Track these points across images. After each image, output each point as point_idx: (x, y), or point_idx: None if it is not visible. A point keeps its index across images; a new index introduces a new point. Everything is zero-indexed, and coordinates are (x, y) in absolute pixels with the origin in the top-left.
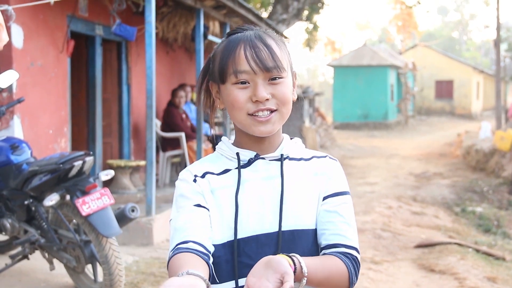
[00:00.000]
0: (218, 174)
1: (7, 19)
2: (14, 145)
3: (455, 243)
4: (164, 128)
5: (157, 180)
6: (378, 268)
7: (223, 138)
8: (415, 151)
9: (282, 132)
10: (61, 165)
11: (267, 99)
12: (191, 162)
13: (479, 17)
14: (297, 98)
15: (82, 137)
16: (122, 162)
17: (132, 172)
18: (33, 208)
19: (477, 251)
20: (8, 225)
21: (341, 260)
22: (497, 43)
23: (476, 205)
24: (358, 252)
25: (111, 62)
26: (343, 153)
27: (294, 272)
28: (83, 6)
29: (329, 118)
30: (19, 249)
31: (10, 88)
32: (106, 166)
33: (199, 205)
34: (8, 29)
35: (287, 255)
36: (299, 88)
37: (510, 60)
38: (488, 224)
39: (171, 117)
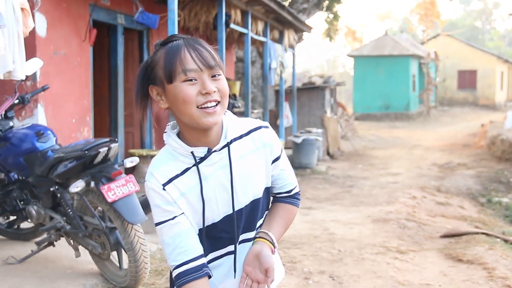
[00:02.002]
0: (181, 175)
1: (32, 6)
2: (39, 132)
3: (483, 233)
4: None
5: None
6: (404, 258)
7: (168, 131)
8: (438, 142)
9: (305, 121)
10: (87, 152)
11: (214, 91)
12: None
13: (503, 6)
14: (318, 87)
15: (104, 127)
16: (143, 151)
17: None
18: (58, 195)
19: (506, 241)
20: (34, 212)
21: (291, 204)
22: None
23: (502, 196)
24: (296, 183)
25: (133, 51)
26: (365, 144)
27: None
28: None
29: (350, 109)
30: (44, 236)
31: (34, 76)
32: (128, 156)
33: (175, 216)
34: (33, 16)
35: (266, 239)
36: (320, 78)
37: None
38: None
39: None
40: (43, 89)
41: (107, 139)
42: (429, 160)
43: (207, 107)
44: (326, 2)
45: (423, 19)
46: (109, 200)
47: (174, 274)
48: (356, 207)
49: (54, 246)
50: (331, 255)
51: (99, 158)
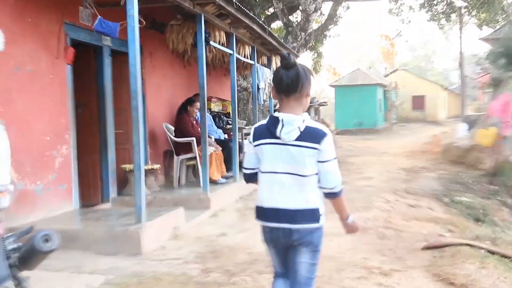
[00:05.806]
0: None
1: None
2: None
3: (466, 244)
4: (177, 134)
5: (172, 182)
6: (389, 283)
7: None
8: (401, 149)
9: None
10: None
11: None
12: None
13: (440, 51)
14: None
15: (95, 144)
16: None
17: (146, 175)
18: None
19: (492, 253)
20: None
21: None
22: (461, 64)
23: (461, 195)
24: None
25: (126, 74)
26: (343, 152)
27: None
28: (84, 15)
29: (332, 126)
30: None
31: None
32: (120, 171)
33: None
34: None
35: None
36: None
37: (470, 78)
38: (476, 213)
39: (182, 124)
40: None
41: None
42: (396, 165)
43: None
44: (312, 43)
45: (386, 57)
46: None
47: (341, 187)
48: (335, 214)
49: None
50: None
51: None
